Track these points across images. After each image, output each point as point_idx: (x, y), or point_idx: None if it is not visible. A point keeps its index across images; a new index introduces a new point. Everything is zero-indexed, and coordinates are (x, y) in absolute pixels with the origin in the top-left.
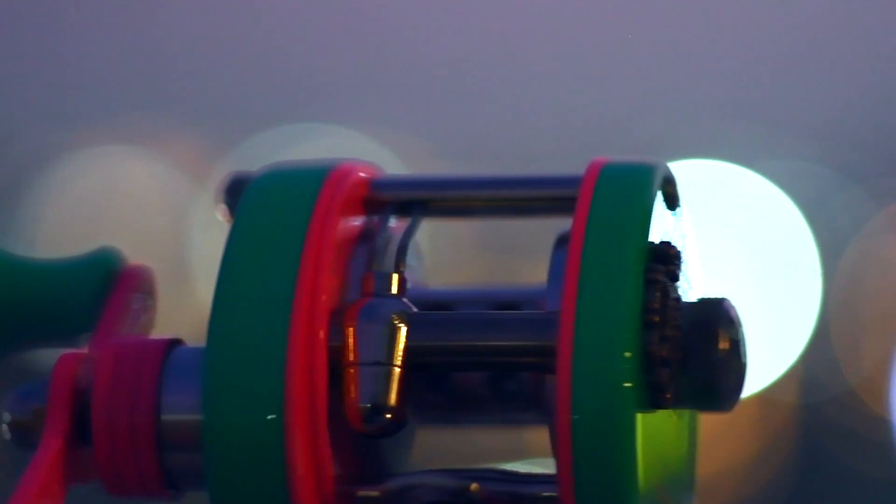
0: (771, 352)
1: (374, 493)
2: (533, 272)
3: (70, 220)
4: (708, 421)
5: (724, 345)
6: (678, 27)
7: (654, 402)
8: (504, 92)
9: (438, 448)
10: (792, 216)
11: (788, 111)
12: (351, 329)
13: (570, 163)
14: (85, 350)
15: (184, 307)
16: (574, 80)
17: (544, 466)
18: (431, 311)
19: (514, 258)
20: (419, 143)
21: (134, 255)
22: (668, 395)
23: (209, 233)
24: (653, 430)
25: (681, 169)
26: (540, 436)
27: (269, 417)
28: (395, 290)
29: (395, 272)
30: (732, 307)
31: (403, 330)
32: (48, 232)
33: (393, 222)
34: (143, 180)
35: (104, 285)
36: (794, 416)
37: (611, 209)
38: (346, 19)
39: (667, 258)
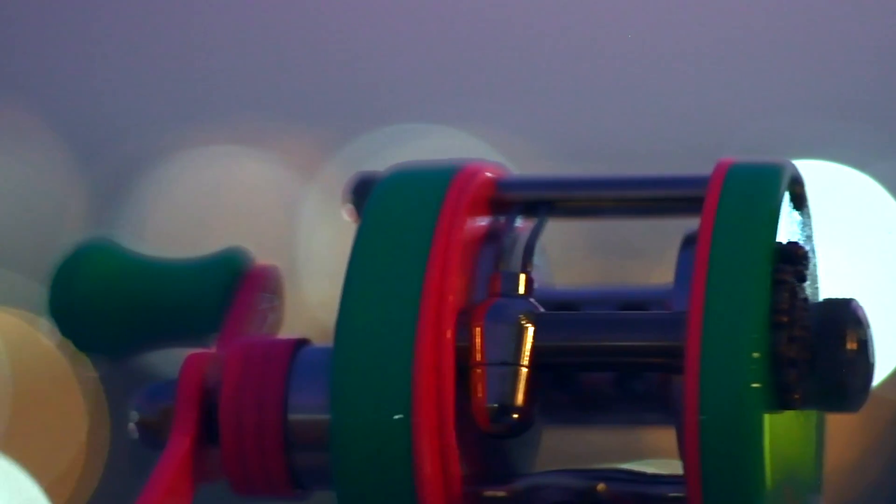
0: (878, 350)
1: (501, 494)
2: (643, 273)
3: (181, 219)
4: None
5: (851, 345)
6: (790, 29)
7: (781, 402)
8: (614, 93)
9: (554, 448)
10: None
11: None
12: (478, 329)
13: (682, 164)
14: (212, 350)
15: (294, 306)
16: (685, 81)
17: (659, 467)
18: (558, 311)
19: (624, 260)
20: (527, 145)
21: None
22: (796, 396)
23: (319, 232)
24: (780, 431)
25: None
26: (655, 436)
27: (397, 417)
28: (522, 290)
29: (523, 272)
30: (860, 307)
31: (531, 330)
32: (159, 230)
33: (519, 222)
34: (253, 179)
35: (232, 285)
36: None
37: (739, 209)
38: (457, 20)
39: (794, 258)
